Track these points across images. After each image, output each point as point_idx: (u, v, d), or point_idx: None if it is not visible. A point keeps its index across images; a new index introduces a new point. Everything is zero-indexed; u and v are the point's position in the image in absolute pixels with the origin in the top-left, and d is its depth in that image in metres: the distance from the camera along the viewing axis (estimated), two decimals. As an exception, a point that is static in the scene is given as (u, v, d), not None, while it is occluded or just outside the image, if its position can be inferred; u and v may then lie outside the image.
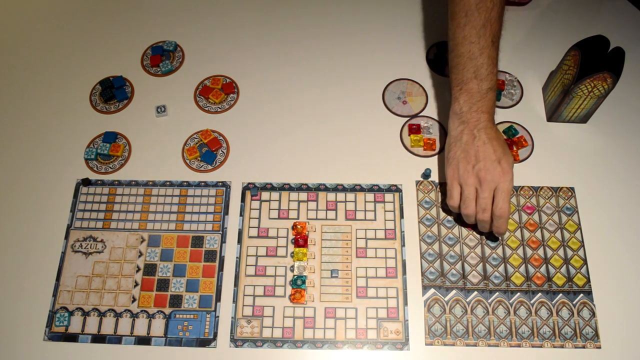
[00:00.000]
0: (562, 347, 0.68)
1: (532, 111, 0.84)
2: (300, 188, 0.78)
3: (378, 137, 0.82)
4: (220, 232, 0.75)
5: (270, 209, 0.76)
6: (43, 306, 0.71)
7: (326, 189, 0.78)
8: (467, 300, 0.71)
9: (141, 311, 0.70)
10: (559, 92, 0.79)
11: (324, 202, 0.77)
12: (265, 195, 0.77)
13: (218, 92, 0.85)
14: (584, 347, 0.68)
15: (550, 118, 0.83)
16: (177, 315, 0.70)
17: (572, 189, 0.77)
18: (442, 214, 0.76)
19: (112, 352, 0.68)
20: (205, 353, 0.68)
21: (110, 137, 0.82)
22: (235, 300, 0.71)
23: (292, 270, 0.72)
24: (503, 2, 0.70)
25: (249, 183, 0.78)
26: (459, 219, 0.74)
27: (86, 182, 0.78)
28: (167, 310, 0.70)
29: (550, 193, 0.77)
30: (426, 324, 0.69)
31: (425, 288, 0.71)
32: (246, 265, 0.73)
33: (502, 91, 0.85)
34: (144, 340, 0.69)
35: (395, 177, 0.79)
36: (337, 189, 0.78)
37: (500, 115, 0.83)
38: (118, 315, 0.70)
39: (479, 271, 0.72)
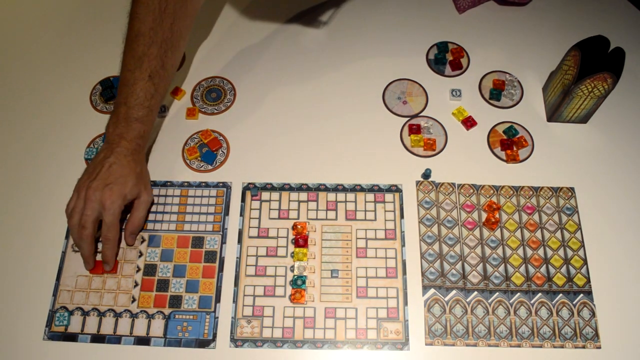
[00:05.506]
0: (562, 347, 0.68)
1: (532, 111, 0.84)
2: (300, 188, 0.78)
3: (378, 137, 0.82)
4: (221, 232, 0.75)
5: (270, 209, 0.76)
6: (43, 306, 0.70)
7: (326, 189, 0.78)
8: (467, 300, 0.71)
9: (141, 311, 0.70)
10: (559, 92, 0.79)
11: (324, 202, 0.77)
12: (265, 195, 0.77)
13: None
14: (584, 347, 0.68)
15: (550, 118, 0.83)
16: (177, 316, 0.70)
17: (572, 189, 0.77)
18: (443, 214, 0.76)
19: (112, 352, 0.68)
20: (205, 353, 0.68)
21: (110, 137, 0.81)
22: (235, 300, 0.71)
23: (292, 270, 0.72)
24: (169, 45, 0.71)
25: (249, 183, 0.78)
26: None
27: (86, 182, 0.78)
28: (167, 311, 0.70)
29: (550, 193, 0.77)
30: (426, 324, 0.69)
31: (425, 288, 0.71)
32: (246, 265, 0.73)
33: (502, 91, 0.85)
34: (144, 341, 0.68)
35: (395, 177, 0.78)
36: (337, 189, 0.78)
37: (500, 115, 0.83)
38: (118, 315, 0.70)
39: (479, 271, 0.72)
